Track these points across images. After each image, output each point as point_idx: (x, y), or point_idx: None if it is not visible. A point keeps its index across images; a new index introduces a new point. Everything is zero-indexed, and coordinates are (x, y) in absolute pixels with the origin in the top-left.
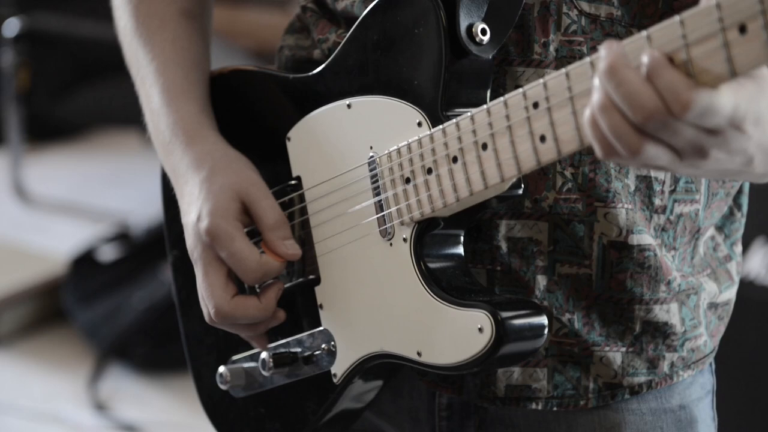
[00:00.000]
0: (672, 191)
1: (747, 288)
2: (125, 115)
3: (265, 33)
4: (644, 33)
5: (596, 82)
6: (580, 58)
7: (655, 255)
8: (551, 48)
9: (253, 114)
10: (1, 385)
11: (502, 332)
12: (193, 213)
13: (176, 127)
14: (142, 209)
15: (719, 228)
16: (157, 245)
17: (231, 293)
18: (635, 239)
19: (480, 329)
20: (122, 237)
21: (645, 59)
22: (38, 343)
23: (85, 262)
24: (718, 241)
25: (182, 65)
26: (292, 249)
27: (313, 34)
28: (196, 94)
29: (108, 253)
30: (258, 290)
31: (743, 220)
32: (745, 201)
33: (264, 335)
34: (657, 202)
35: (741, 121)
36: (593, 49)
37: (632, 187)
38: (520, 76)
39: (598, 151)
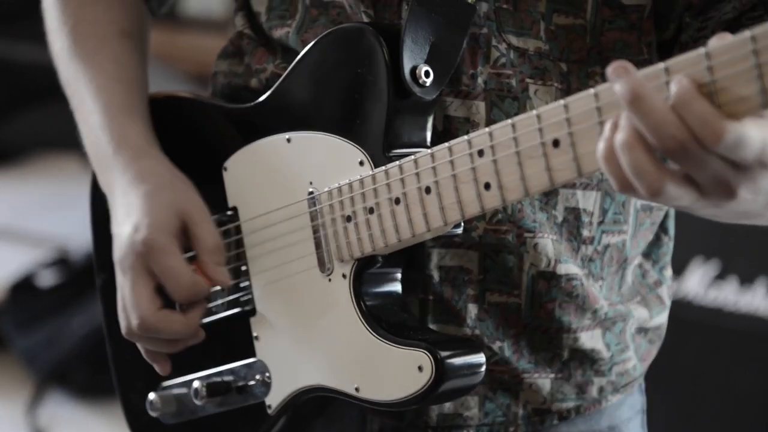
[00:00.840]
0: (600, 222)
1: (684, 308)
2: (65, 139)
3: (204, 57)
4: (662, 64)
5: (621, 118)
6: (509, 90)
7: (582, 284)
8: (479, 80)
9: (187, 141)
10: None
11: (442, 371)
12: (129, 224)
13: (121, 143)
14: (82, 234)
15: (646, 255)
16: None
17: (157, 305)
18: (563, 269)
19: (420, 368)
20: (61, 262)
21: (674, 87)
22: None
23: (23, 288)
24: (646, 268)
25: (124, 83)
26: (223, 276)
27: (250, 63)
28: (139, 111)
29: (47, 279)
30: (183, 308)
31: (671, 244)
32: (671, 224)
33: (169, 362)
34: (585, 233)
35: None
36: (521, 82)
37: (560, 218)
38: (449, 106)
39: (615, 186)
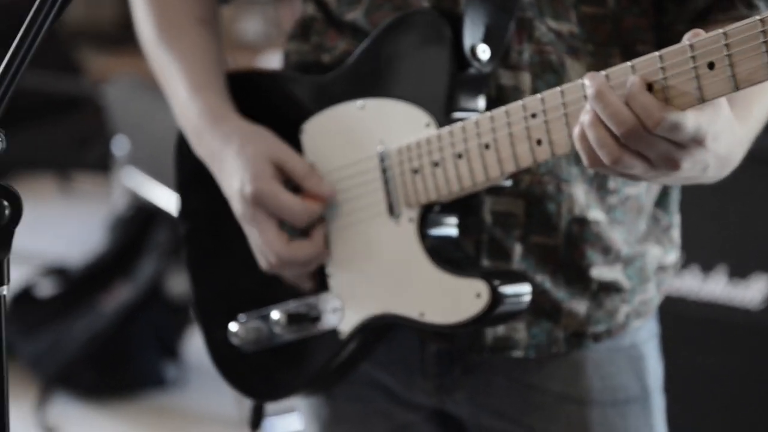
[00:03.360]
0: None
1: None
2: (42, 160)
3: None
4: (629, 63)
5: (586, 104)
6: (549, 64)
7: (607, 228)
8: (525, 55)
9: (268, 109)
10: None
11: (497, 297)
12: (236, 183)
13: (202, 114)
14: (66, 251)
15: (657, 204)
16: (93, 280)
17: (285, 240)
18: (592, 215)
19: (478, 295)
20: (57, 274)
21: (628, 83)
22: None
23: (23, 299)
24: (658, 215)
25: (202, 63)
26: (326, 189)
27: (321, 42)
28: (217, 86)
29: (45, 290)
30: (307, 233)
31: (677, 193)
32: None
33: (312, 280)
34: (611, 185)
35: (703, 137)
36: (559, 58)
37: (591, 172)
38: (500, 77)
39: (585, 161)
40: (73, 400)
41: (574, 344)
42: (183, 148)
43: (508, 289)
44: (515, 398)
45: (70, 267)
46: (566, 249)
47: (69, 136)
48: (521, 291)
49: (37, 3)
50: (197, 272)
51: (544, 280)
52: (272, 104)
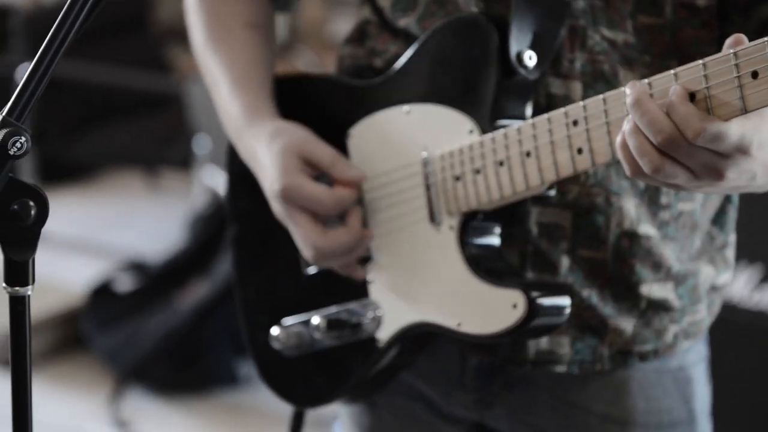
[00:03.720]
0: (676, 192)
1: (729, 311)
2: (130, 157)
3: None
4: (672, 71)
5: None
6: (601, 73)
7: (658, 244)
8: (577, 63)
9: (316, 113)
10: None
11: (533, 308)
12: (268, 182)
13: (241, 114)
14: (148, 247)
15: (714, 221)
16: (171, 277)
17: (321, 231)
18: (642, 230)
19: (514, 306)
20: (138, 270)
21: (670, 92)
22: (59, 368)
23: (102, 293)
24: (713, 233)
25: (246, 65)
26: (354, 173)
27: (373, 46)
28: (258, 88)
29: (124, 285)
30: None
31: (735, 212)
32: (735, 197)
33: (362, 268)
34: (663, 200)
35: (747, 146)
36: (612, 68)
37: (641, 186)
38: (551, 85)
39: (627, 170)
40: (147, 396)
41: (619, 363)
42: (232, 151)
43: (546, 301)
44: (557, 416)
45: (150, 263)
46: (615, 264)
47: (156, 134)
48: (560, 304)
49: (68, 3)
50: (243, 276)
51: (591, 295)
52: (321, 109)
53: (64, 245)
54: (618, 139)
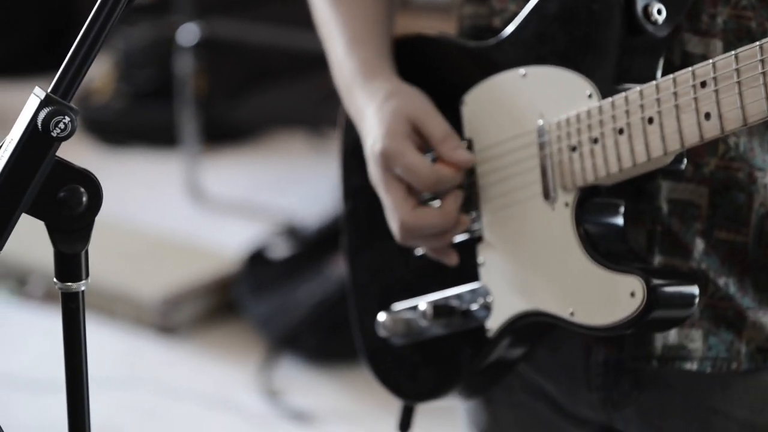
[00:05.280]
0: None
1: None
2: (293, 118)
3: None
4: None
5: None
6: (747, 31)
7: None
8: (719, 19)
9: (431, 76)
10: (177, 373)
11: (653, 298)
12: (370, 140)
13: (355, 71)
14: (309, 208)
15: None
16: (326, 243)
17: (411, 205)
18: None
19: (632, 294)
20: (292, 235)
21: None
22: (211, 334)
23: (257, 259)
24: None
25: (364, 20)
26: (462, 156)
27: (492, 4)
28: (375, 44)
29: (279, 251)
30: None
31: None
32: None
33: (455, 253)
34: None
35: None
36: (761, 25)
37: None
38: (687, 43)
39: None
40: (297, 365)
41: (759, 362)
42: (348, 123)
43: (669, 290)
44: (694, 423)
45: (305, 228)
46: (757, 248)
47: (319, 94)
48: (687, 293)
49: None
50: (354, 257)
51: (729, 283)
52: (436, 73)
53: (224, 208)
54: None
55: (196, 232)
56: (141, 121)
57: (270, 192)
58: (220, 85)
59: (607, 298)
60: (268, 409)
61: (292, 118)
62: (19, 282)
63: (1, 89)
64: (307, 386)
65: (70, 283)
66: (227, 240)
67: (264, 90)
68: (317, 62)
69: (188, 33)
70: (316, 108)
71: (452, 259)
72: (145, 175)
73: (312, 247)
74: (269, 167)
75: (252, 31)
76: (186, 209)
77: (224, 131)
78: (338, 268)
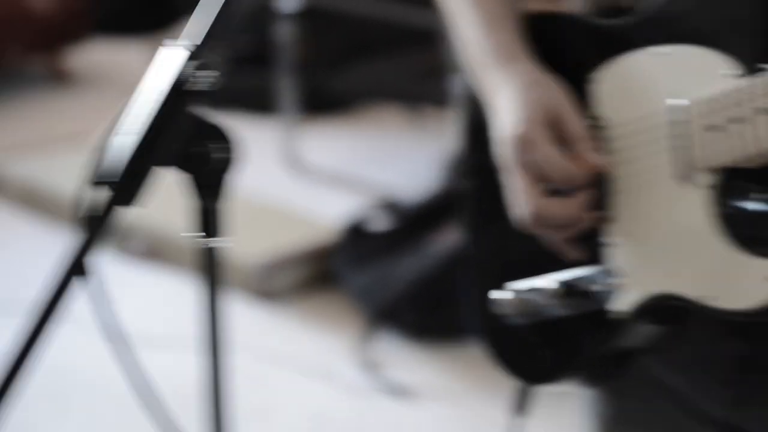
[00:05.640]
0: None
1: None
2: (393, 91)
3: None
4: None
5: None
6: None
7: None
8: None
9: (558, 54)
10: (276, 340)
11: None
12: (507, 123)
13: (492, 51)
14: (406, 182)
15: None
16: (426, 219)
17: (537, 193)
18: None
19: (767, 278)
20: (392, 209)
21: None
22: (309, 303)
23: (356, 230)
24: None
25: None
26: (599, 159)
27: None
28: (511, 24)
29: (378, 224)
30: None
31: None
32: None
33: (572, 245)
34: None
35: None
36: None
37: None
38: None
39: None
40: (397, 339)
41: None
42: (472, 100)
43: None
44: None
45: (404, 203)
46: None
47: (419, 70)
48: None
49: None
50: (475, 235)
51: None
52: (566, 50)
53: (321, 178)
54: None
55: (293, 200)
56: (238, 85)
57: (367, 165)
58: (321, 55)
59: (740, 282)
60: (366, 382)
61: (392, 93)
62: (121, 239)
63: (106, 48)
64: (407, 361)
65: (214, 237)
66: (324, 210)
67: (365, 62)
68: (420, 37)
69: (290, 0)
70: (415, 84)
71: (572, 255)
72: (241, 139)
73: (412, 222)
74: (366, 140)
75: (356, 2)
76: (282, 177)
77: (323, 101)
78: (438, 245)
